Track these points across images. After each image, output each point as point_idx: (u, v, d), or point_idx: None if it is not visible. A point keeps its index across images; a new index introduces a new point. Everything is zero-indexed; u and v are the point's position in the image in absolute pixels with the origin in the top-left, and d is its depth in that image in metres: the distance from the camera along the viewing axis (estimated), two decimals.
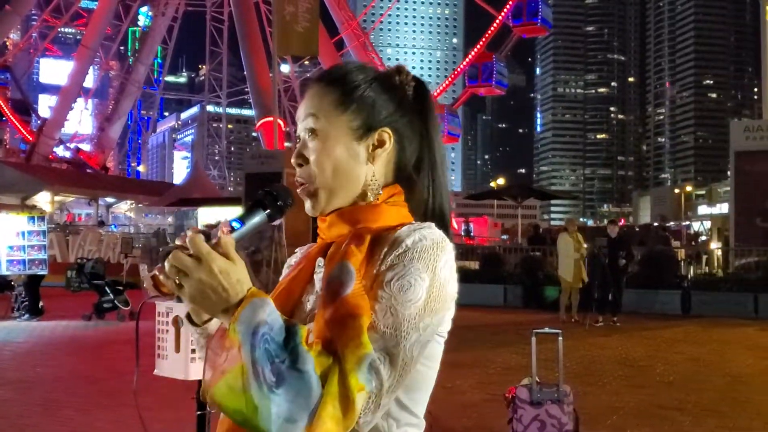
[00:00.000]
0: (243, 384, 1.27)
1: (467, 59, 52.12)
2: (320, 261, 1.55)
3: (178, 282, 1.32)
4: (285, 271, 1.70)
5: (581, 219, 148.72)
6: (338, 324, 1.34)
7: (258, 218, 1.43)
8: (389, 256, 1.42)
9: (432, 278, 1.40)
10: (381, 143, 1.56)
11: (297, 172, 1.57)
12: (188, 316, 1.53)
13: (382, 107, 1.57)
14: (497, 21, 50.35)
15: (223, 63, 72.59)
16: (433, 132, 1.64)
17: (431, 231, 1.45)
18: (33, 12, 62.34)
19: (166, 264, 1.32)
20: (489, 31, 51.64)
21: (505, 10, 49.40)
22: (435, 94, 55.35)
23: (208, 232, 1.35)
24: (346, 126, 1.54)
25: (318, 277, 1.54)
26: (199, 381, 4.34)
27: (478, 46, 51.91)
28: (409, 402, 1.49)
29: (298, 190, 1.56)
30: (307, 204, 1.56)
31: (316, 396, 1.26)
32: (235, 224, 1.39)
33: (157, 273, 1.35)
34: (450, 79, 57.63)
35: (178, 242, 1.34)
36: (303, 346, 1.29)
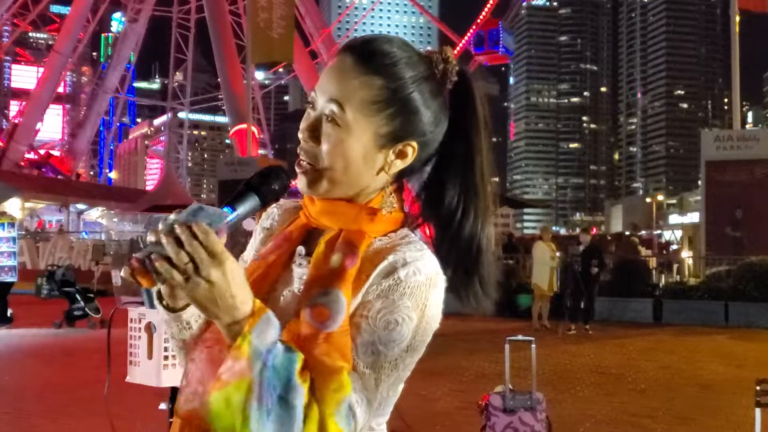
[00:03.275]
0: (244, 402, 1.18)
1: (471, 29, 52.07)
2: (301, 250, 1.45)
3: (185, 276, 1.18)
4: (259, 234, 1.59)
5: (554, 228, 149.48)
6: (320, 360, 1.27)
7: (250, 203, 1.30)
8: (379, 285, 1.33)
9: (420, 318, 1.32)
10: (402, 155, 1.41)
11: (303, 145, 1.41)
12: (159, 297, 1.37)
13: (421, 118, 1.40)
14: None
15: (187, 70, 72.11)
16: (476, 151, 1.45)
17: (426, 264, 1.35)
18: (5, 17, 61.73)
19: (172, 249, 1.17)
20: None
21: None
22: None
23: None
24: (373, 130, 1.37)
25: (298, 272, 1.43)
26: (172, 388, 4.28)
27: (485, 12, 51.45)
28: (377, 426, 1.42)
29: (297, 167, 1.42)
30: (303, 181, 1.40)
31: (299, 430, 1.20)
32: (226, 211, 1.28)
33: (135, 263, 1.21)
34: (456, 51, 57.47)
35: (152, 237, 1.20)
36: (298, 379, 1.21)
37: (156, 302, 1.40)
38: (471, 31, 50.11)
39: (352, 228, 1.40)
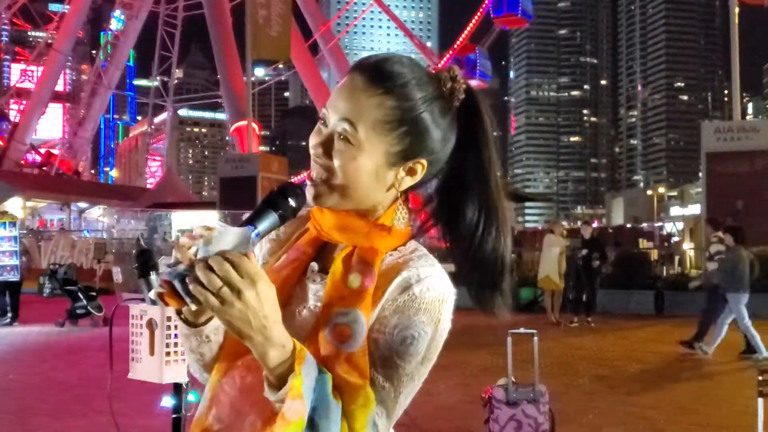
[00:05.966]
0: None
1: (450, 52, 52.82)
2: (314, 266, 1.47)
3: (220, 299, 1.17)
4: (266, 246, 1.58)
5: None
6: (344, 379, 1.31)
7: (270, 221, 1.32)
8: (394, 301, 1.36)
9: (434, 332, 1.37)
10: (412, 173, 1.43)
11: (316, 160, 1.42)
12: (178, 313, 1.38)
13: (431, 137, 1.42)
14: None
15: (172, 67, 71.88)
16: (488, 165, 1.46)
17: (439, 279, 1.39)
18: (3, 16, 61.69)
19: (203, 275, 1.16)
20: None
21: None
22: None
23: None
24: (385, 149, 1.39)
25: (313, 288, 1.45)
26: (175, 384, 4.29)
27: (461, 38, 52.73)
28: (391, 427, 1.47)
29: (311, 179, 1.43)
30: (313, 192, 1.41)
31: None
32: (249, 230, 1.29)
33: (162, 288, 1.22)
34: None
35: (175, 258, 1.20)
36: (331, 397, 1.26)
37: (177, 320, 1.42)
38: (448, 55, 51.90)
39: (365, 245, 1.42)
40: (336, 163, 1.38)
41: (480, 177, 1.44)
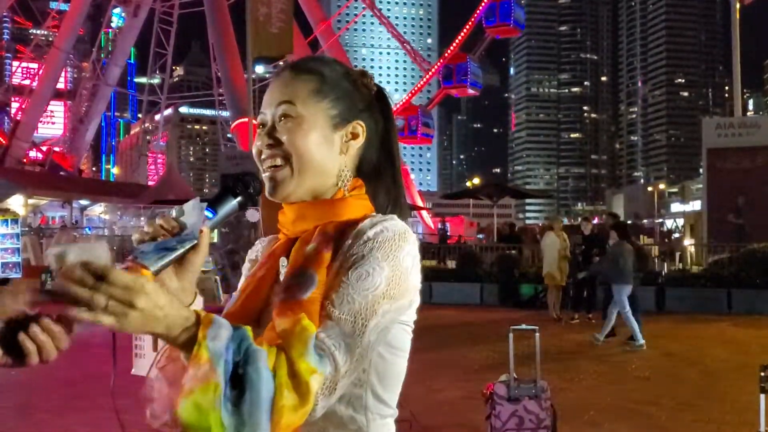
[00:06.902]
0: (214, 401, 1.20)
1: (441, 60, 53.25)
2: (283, 261, 1.54)
3: (113, 315, 1.17)
4: (246, 265, 1.70)
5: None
6: (285, 317, 1.34)
7: (229, 206, 1.42)
8: (351, 249, 1.43)
9: (393, 267, 1.41)
10: (355, 135, 1.58)
11: (265, 152, 1.55)
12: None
13: (357, 102, 1.60)
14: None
15: (167, 64, 71.69)
16: (394, 136, 1.67)
17: (393, 223, 1.47)
18: (5, 15, 61.63)
19: (85, 297, 1.16)
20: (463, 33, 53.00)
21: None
22: (409, 95, 56.28)
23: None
24: (324, 113, 1.54)
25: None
26: None
27: (453, 47, 53.11)
28: (384, 394, 1.49)
29: (264, 172, 1.55)
30: (271, 184, 1.53)
31: (271, 392, 1.23)
32: (207, 213, 1.38)
33: (131, 264, 1.28)
34: (424, 80, 58.16)
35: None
36: (254, 345, 1.25)
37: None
38: (439, 63, 52.45)
39: (326, 220, 1.52)
40: (285, 138, 1.52)
41: (391, 163, 1.65)
